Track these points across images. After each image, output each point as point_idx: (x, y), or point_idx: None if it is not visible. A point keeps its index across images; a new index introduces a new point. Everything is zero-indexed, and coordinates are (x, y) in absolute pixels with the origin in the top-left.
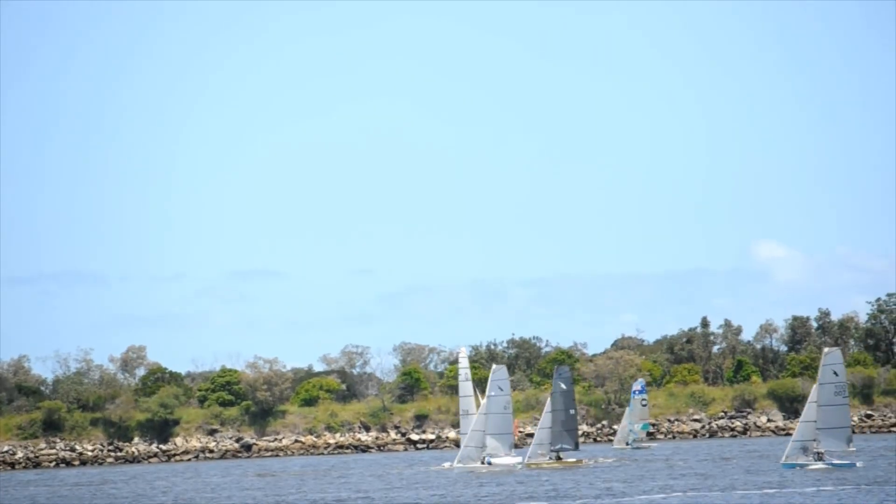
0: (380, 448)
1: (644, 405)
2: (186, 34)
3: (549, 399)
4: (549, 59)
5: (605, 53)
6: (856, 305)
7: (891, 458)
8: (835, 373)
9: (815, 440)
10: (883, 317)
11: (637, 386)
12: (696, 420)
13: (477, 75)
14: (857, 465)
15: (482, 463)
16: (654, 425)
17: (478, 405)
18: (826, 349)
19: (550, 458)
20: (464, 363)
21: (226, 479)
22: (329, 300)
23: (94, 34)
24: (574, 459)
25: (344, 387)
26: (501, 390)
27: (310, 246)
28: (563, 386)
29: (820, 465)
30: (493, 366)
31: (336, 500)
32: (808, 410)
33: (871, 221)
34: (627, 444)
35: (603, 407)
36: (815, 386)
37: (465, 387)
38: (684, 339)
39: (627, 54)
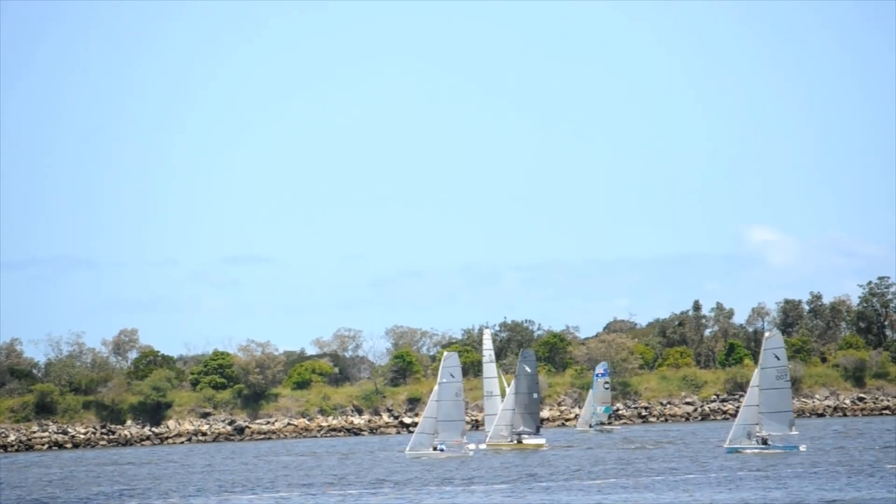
0: (372, 431)
1: (607, 388)
2: (180, 22)
3: (513, 381)
4: (543, 45)
5: (597, 40)
6: (847, 289)
7: (832, 442)
8: (776, 357)
9: (757, 424)
10: (874, 300)
11: (600, 369)
12: (688, 403)
13: (469, 61)
14: (801, 448)
15: (434, 450)
16: (646, 408)
17: (501, 387)
18: (767, 333)
19: (511, 441)
20: (487, 344)
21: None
22: (321, 285)
23: (89, 22)
24: (535, 443)
25: (336, 370)
26: (453, 377)
27: (301, 231)
28: (528, 369)
29: (763, 449)
30: (445, 352)
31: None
32: (751, 394)
33: (863, 206)
34: (591, 426)
35: None
36: (756, 370)
37: (489, 368)
38: (676, 323)
39: (620, 40)
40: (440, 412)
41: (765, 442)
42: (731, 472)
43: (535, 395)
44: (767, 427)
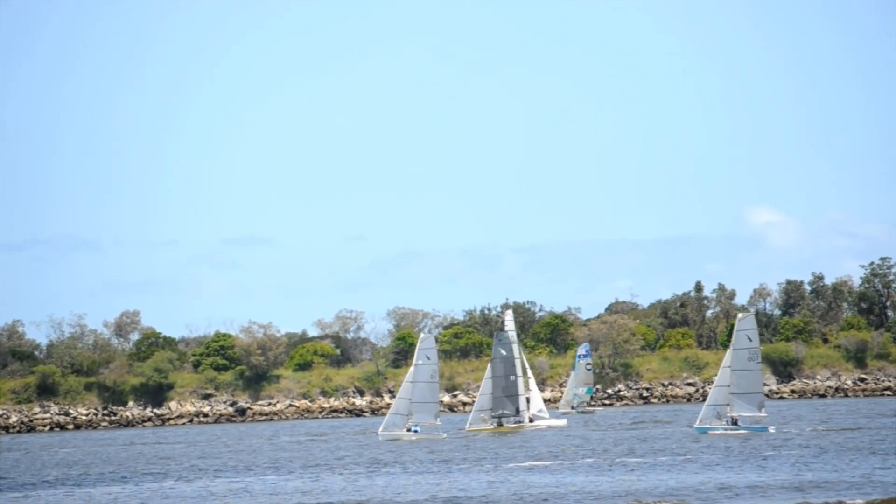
0: (374, 412)
1: (589, 369)
2: (184, 3)
3: (489, 365)
4: (543, 26)
5: (597, 21)
6: (849, 269)
7: (802, 424)
8: (749, 338)
9: (728, 405)
10: (876, 280)
11: (581, 350)
12: (689, 384)
13: (469, 43)
14: (770, 429)
15: (407, 431)
16: (647, 389)
17: (521, 367)
18: (740, 315)
19: (492, 424)
20: (510, 325)
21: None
22: (322, 266)
23: (94, 2)
24: (515, 425)
25: (338, 351)
26: (429, 359)
27: (302, 212)
28: (503, 352)
29: (733, 430)
30: (422, 335)
31: None
32: (722, 375)
33: (865, 187)
34: (573, 408)
35: (597, 371)
36: (728, 351)
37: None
38: (678, 304)
39: (619, 21)
40: (414, 394)
41: (735, 423)
42: (685, 454)
43: (513, 378)
44: (738, 408)
